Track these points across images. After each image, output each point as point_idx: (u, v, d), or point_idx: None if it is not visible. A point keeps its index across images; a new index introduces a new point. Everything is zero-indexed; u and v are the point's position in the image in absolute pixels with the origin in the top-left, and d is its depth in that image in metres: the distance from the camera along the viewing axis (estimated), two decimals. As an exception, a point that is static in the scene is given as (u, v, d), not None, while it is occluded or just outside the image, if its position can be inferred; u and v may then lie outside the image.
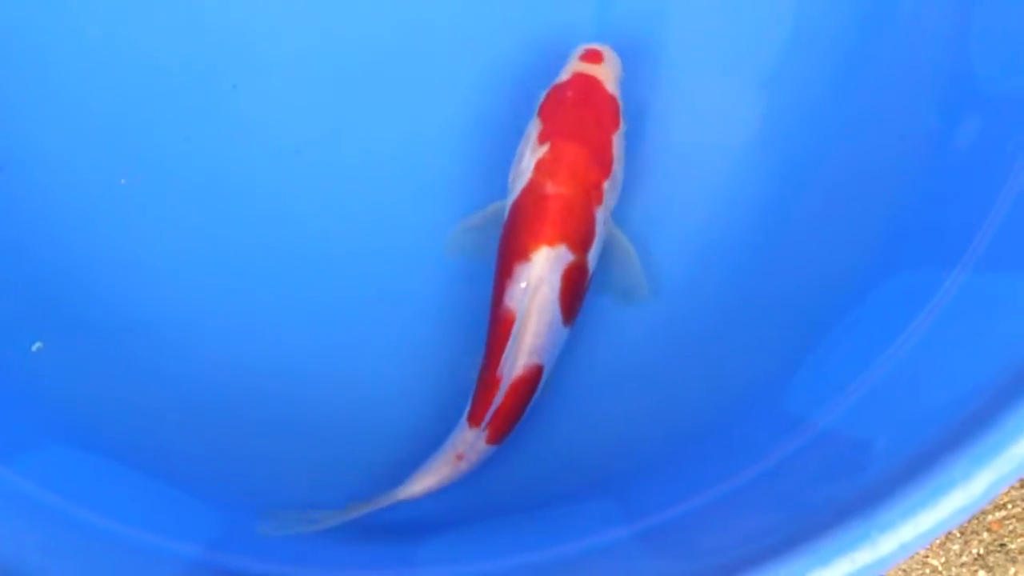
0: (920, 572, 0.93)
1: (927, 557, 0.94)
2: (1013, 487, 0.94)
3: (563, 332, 0.81)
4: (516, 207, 0.82)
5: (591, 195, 0.81)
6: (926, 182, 0.86)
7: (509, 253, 0.81)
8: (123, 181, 0.89)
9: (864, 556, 0.60)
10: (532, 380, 0.79)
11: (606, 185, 0.82)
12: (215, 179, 0.91)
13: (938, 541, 0.94)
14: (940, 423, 0.67)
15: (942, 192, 0.85)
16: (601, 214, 0.82)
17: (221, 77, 0.92)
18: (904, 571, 0.93)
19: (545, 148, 0.82)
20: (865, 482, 0.66)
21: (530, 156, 0.82)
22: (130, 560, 0.78)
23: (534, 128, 0.84)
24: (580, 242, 0.81)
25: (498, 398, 0.78)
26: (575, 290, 0.81)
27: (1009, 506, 0.94)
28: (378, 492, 0.79)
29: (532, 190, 0.81)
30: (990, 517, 0.94)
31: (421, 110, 0.92)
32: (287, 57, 0.93)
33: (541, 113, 0.84)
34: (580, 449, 0.83)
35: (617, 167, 0.83)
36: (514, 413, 0.79)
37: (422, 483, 0.79)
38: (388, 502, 0.78)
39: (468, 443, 0.79)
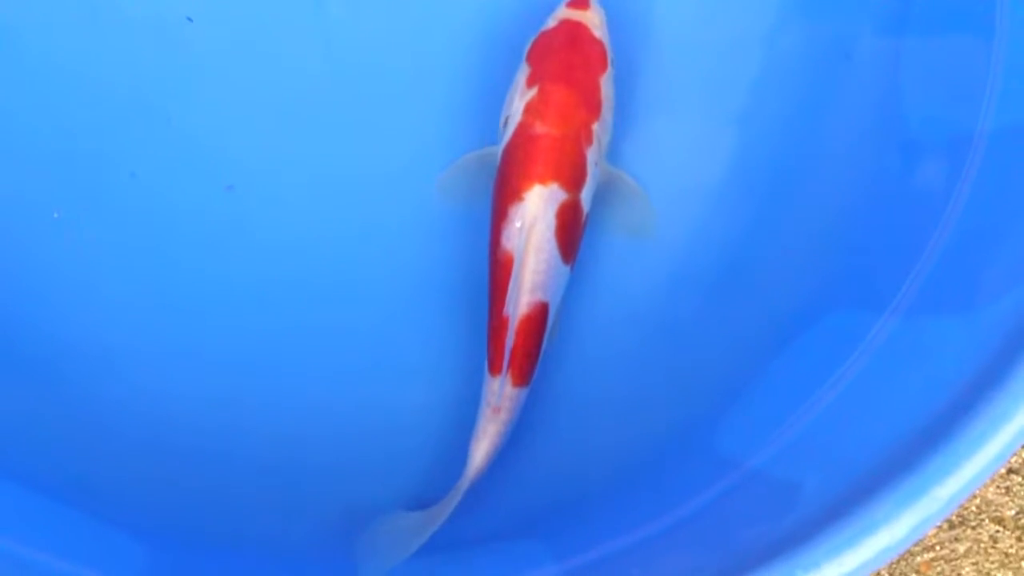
0: (849, 613, 0.94)
1: (856, 598, 0.94)
2: (942, 529, 0.95)
3: (563, 270, 0.81)
4: (507, 150, 0.83)
5: (581, 135, 0.82)
6: (857, 226, 0.87)
7: (503, 196, 0.82)
8: (56, 214, 0.89)
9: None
10: (539, 318, 0.80)
11: (596, 127, 0.83)
12: (151, 209, 0.90)
13: (867, 582, 0.94)
14: (866, 465, 0.68)
15: (874, 236, 0.86)
16: (592, 155, 0.83)
17: (156, 109, 0.91)
18: (833, 612, 0.94)
19: (533, 91, 0.83)
20: (792, 523, 0.67)
21: (519, 100, 0.83)
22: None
23: (522, 73, 0.85)
24: (572, 181, 0.81)
25: (510, 339, 0.79)
26: (571, 228, 0.81)
27: (937, 547, 0.95)
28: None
29: (522, 132, 0.82)
30: (918, 559, 0.94)
31: (404, 65, 0.92)
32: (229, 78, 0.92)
33: (529, 58, 0.85)
34: (507, 488, 0.83)
35: (606, 109, 0.84)
36: (529, 352, 0.80)
37: (479, 451, 0.80)
38: (465, 486, 0.79)
39: (497, 393, 0.80)
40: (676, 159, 0.90)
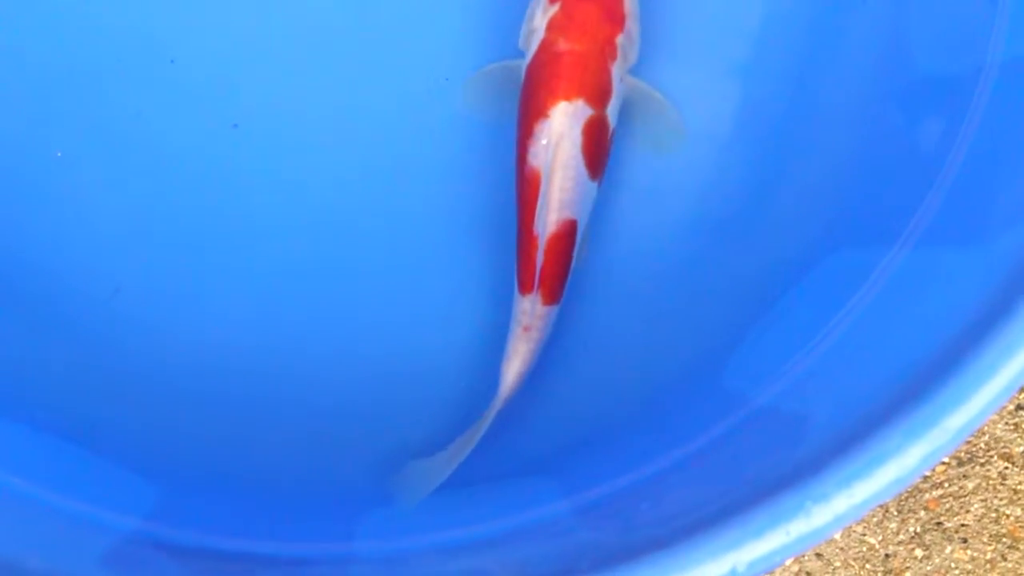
0: (857, 550, 0.94)
1: (864, 535, 0.94)
2: (950, 465, 0.95)
3: (591, 187, 0.81)
4: (531, 67, 0.83)
5: (605, 50, 0.82)
6: (866, 164, 0.87)
7: (528, 113, 0.81)
8: (58, 153, 0.88)
9: (798, 527, 0.61)
10: (568, 234, 0.80)
11: (620, 40, 0.83)
12: (155, 148, 0.90)
13: (875, 519, 0.94)
14: (876, 397, 0.68)
15: (882, 173, 0.86)
16: (617, 70, 0.82)
17: (160, 48, 0.91)
18: (842, 549, 0.94)
19: (556, 7, 0.82)
20: (800, 455, 0.66)
21: (541, 16, 0.83)
22: (67, 530, 0.77)
23: None
24: (597, 96, 0.81)
25: (539, 257, 0.80)
26: (597, 143, 0.81)
27: (946, 484, 0.95)
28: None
29: (545, 48, 0.82)
30: (927, 496, 0.95)
31: None
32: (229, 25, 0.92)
33: None
34: (516, 426, 0.83)
35: (631, 20, 0.84)
36: (560, 269, 0.80)
37: (511, 371, 0.80)
38: (497, 407, 0.79)
39: (528, 312, 0.80)
40: (682, 105, 0.88)
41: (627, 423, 0.83)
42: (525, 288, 0.80)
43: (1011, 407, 0.96)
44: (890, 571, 0.94)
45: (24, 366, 0.85)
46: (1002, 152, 0.79)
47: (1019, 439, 0.96)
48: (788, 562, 0.93)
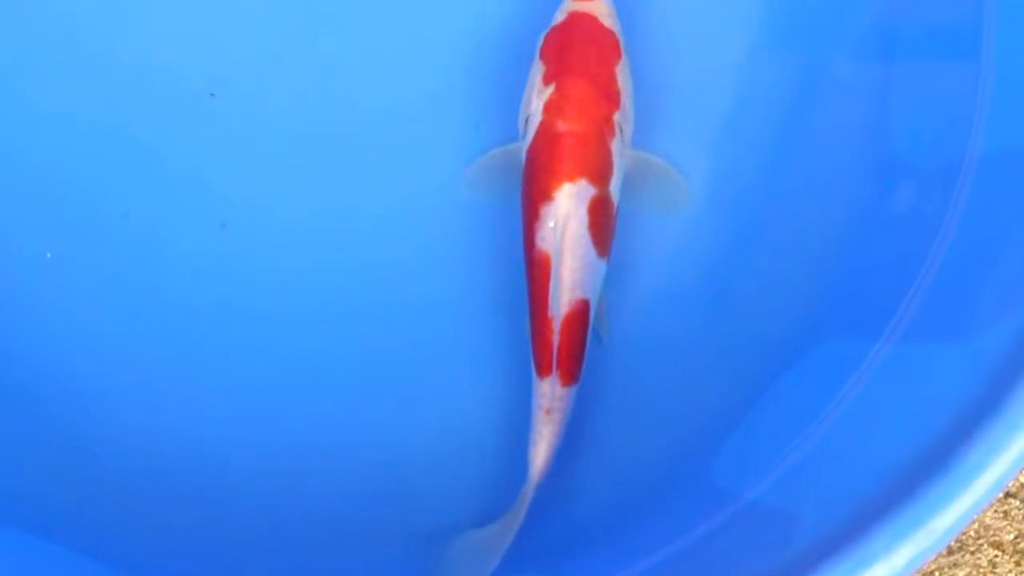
0: (850, 641, 0.94)
1: (856, 626, 0.94)
2: (940, 554, 0.95)
3: (600, 265, 0.82)
4: (531, 150, 0.83)
5: (603, 128, 0.82)
6: (849, 252, 0.87)
7: (533, 196, 0.82)
8: (48, 255, 0.89)
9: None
10: (582, 314, 0.80)
11: (617, 117, 0.83)
12: (144, 248, 0.90)
13: (867, 610, 0.94)
14: (864, 495, 0.68)
15: (867, 262, 0.86)
16: (616, 146, 0.83)
17: (147, 149, 0.91)
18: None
19: (551, 89, 0.83)
20: (791, 555, 0.66)
21: (537, 99, 0.83)
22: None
23: (537, 71, 0.85)
24: (600, 175, 0.82)
25: (556, 339, 0.80)
26: (603, 222, 0.82)
27: (936, 573, 0.94)
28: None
29: (544, 131, 0.82)
30: (918, 585, 0.94)
31: (407, 81, 0.92)
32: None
33: (542, 55, 0.85)
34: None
35: (625, 98, 0.84)
36: (576, 349, 0.81)
37: (539, 455, 0.80)
38: (529, 493, 0.79)
39: (548, 395, 0.80)
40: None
41: (617, 519, 0.83)
42: (544, 371, 0.80)
43: (1000, 495, 0.95)
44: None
45: (13, 466, 0.85)
46: (985, 245, 0.80)
47: (1008, 527, 0.96)
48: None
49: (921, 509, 0.63)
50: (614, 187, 0.82)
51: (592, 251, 0.81)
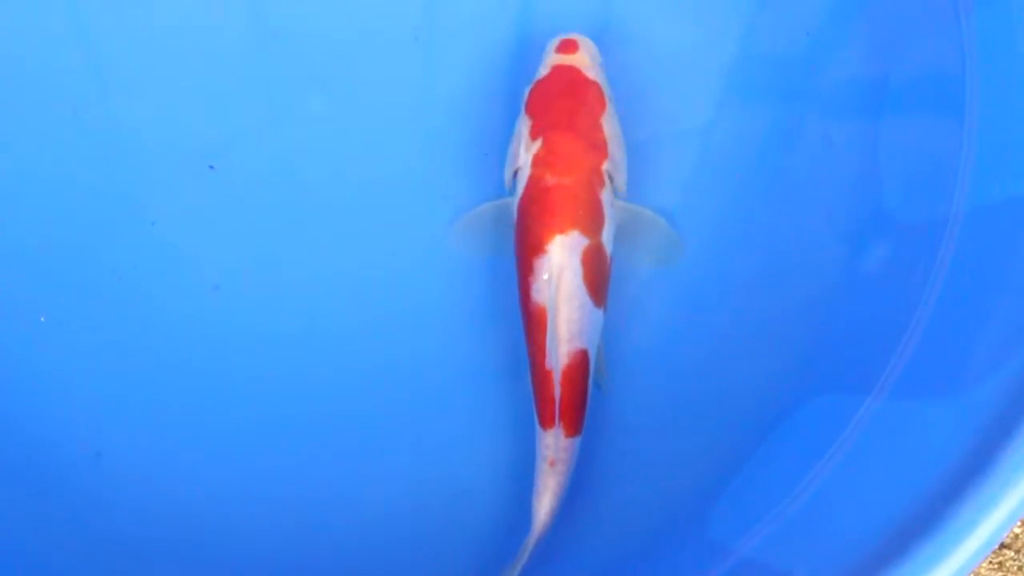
0: None
1: None
2: (935, 608, 0.94)
3: (597, 314, 0.82)
4: (522, 204, 0.84)
5: (592, 179, 0.83)
6: (837, 309, 0.88)
7: (526, 250, 0.82)
8: (42, 319, 0.89)
9: None
10: (581, 365, 0.81)
11: (605, 166, 0.84)
12: (137, 311, 0.90)
13: (863, 664, 0.94)
14: (856, 553, 0.68)
15: (854, 319, 0.87)
16: (607, 196, 0.84)
17: (139, 212, 0.91)
18: None
19: (538, 143, 0.84)
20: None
21: (525, 152, 0.84)
22: None
23: (524, 125, 0.86)
24: (591, 226, 0.82)
25: (557, 391, 0.80)
26: (597, 272, 0.82)
27: (932, 627, 0.94)
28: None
29: (534, 185, 0.83)
30: (913, 639, 0.94)
31: (394, 145, 0.93)
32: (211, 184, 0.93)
33: (528, 109, 0.86)
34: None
35: (614, 146, 0.85)
36: (577, 400, 0.81)
37: (543, 507, 0.80)
38: (532, 544, 0.79)
39: (552, 446, 0.80)
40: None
41: (611, 574, 0.83)
42: (547, 423, 0.81)
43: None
44: None
45: (8, 529, 0.85)
46: (973, 300, 0.80)
47: (1003, 579, 0.96)
48: None
49: (914, 568, 0.63)
50: (606, 237, 0.83)
51: (588, 301, 0.81)
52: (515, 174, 0.85)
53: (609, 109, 0.86)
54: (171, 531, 0.86)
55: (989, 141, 0.85)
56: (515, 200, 0.84)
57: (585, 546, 0.84)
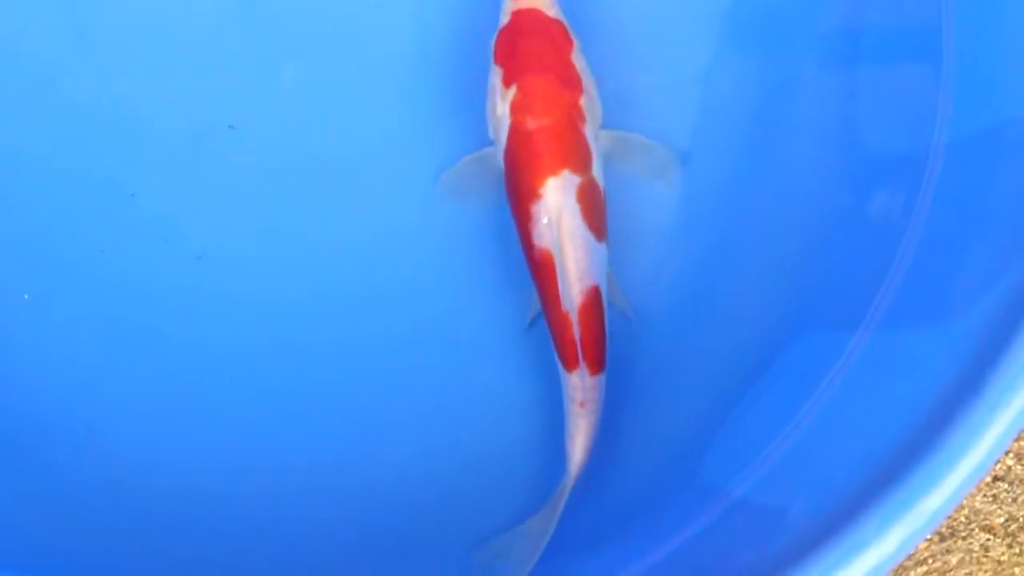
0: (848, 633, 0.94)
1: (854, 618, 0.94)
2: (933, 541, 0.95)
3: (601, 249, 0.82)
4: (508, 153, 0.83)
5: (573, 116, 0.83)
6: (823, 249, 0.88)
7: (521, 198, 0.82)
8: (26, 296, 0.89)
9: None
10: (595, 302, 0.81)
11: (583, 102, 0.84)
12: (121, 285, 0.90)
13: (863, 601, 0.94)
14: (851, 483, 0.68)
15: (840, 257, 0.87)
16: (590, 130, 0.84)
17: (118, 186, 0.91)
18: (832, 634, 0.94)
19: (513, 90, 0.84)
20: (782, 547, 0.67)
21: (502, 102, 0.84)
22: None
23: (495, 75, 0.86)
24: (580, 163, 0.82)
25: (576, 331, 0.80)
26: (595, 206, 0.82)
27: (930, 561, 0.95)
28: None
29: (516, 131, 0.83)
30: (912, 573, 0.95)
31: (369, 113, 0.93)
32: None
33: (497, 59, 0.86)
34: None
35: (587, 82, 0.85)
36: (597, 338, 0.81)
37: (577, 448, 0.80)
38: (569, 487, 0.80)
39: (579, 387, 0.80)
40: (629, 199, 0.90)
41: (607, 523, 0.83)
42: (570, 365, 0.81)
43: (988, 479, 0.96)
44: (882, 653, 0.93)
45: (4, 511, 0.85)
46: (956, 232, 0.81)
47: (998, 510, 0.96)
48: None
49: (909, 492, 0.64)
50: (597, 171, 0.83)
51: (591, 238, 0.81)
52: (496, 125, 0.85)
53: (576, 44, 0.86)
54: (170, 502, 0.86)
55: (966, 76, 0.85)
56: (500, 150, 0.84)
57: (583, 502, 0.85)
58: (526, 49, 0.85)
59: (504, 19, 0.87)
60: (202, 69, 0.93)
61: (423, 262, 0.90)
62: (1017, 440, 0.97)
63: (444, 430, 0.87)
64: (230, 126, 0.92)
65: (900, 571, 0.95)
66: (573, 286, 0.80)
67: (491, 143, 0.86)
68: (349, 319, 0.90)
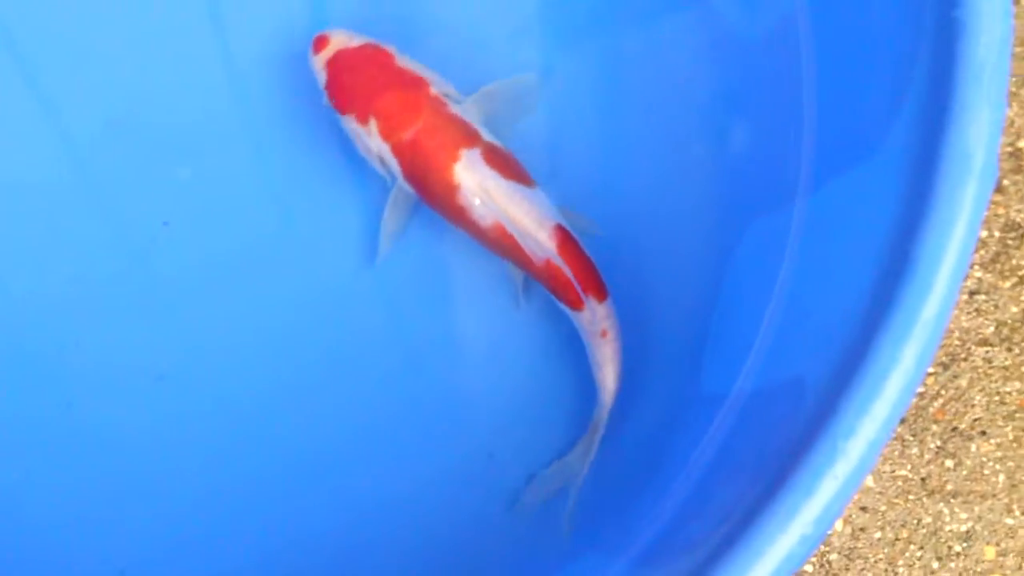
0: (895, 487, 0.95)
1: (894, 471, 0.95)
2: (939, 373, 0.97)
3: (536, 192, 0.84)
4: (408, 175, 0.85)
5: (436, 107, 0.85)
6: (745, 135, 0.90)
7: (445, 199, 0.84)
8: None
9: (843, 468, 0.61)
10: (568, 237, 0.82)
11: (432, 90, 0.86)
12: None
13: (897, 452, 0.96)
14: (850, 328, 0.69)
15: (758, 139, 0.89)
16: (455, 107, 0.86)
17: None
18: (881, 493, 0.95)
19: (372, 123, 0.85)
20: (810, 408, 0.67)
21: (372, 139, 0.86)
22: None
23: (350, 123, 0.87)
24: (468, 137, 0.84)
25: (566, 271, 0.82)
26: (507, 162, 0.84)
27: (943, 392, 0.96)
28: None
29: (401, 151, 0.85)
30: (931, 409, 0.96)
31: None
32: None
33: (341, 109, 0.88)
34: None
35: (424, 72, 0.87)
36: (588, 266, 0.82)
37: (608, 378, 0.82)
38: (605, 415, 0.82)
39: (594, 319, 0.82)
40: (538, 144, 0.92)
41: (643, 446, 0.85)
42: (577, 304, 0.82)
43: (965, 296, 0.98)
44: (932, 491, 0.95)
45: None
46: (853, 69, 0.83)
47: (985, 322, 0.98)
48: (838, 526, 0.94)
49: (906, 312, 0.65)
50: (484, 133, 0.85)
51: (522, 187, 0.83)
52: (381, 161, 0.86)
53: (394, 50, 0.88)
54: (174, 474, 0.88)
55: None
56: (401, 179, 0.86)
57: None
58: (356, 84, 0.87)
59: (321, 76, 0.89)
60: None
61: (382, 317, 0.92)
62: (977, 254, 0.99)
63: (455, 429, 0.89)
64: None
65: (921, 412, 0.96)
66: (539, 234, 0.82)
67: (391, 182, 0.88)
68: (332, 396, 0.91)
